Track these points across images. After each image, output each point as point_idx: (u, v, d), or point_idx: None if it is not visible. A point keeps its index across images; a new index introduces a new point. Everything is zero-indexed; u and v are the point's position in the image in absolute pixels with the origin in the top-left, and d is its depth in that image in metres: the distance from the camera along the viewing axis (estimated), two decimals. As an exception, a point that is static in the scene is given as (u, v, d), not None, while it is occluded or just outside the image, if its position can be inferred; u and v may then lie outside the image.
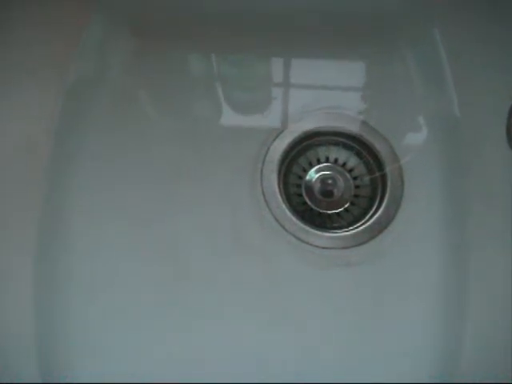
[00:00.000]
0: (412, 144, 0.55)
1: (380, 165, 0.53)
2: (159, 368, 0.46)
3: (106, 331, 0.47)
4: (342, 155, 0.56)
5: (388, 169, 0.52)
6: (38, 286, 0.45)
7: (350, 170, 0.55)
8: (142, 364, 0.46)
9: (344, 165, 0.55)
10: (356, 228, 0.51)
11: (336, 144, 0.56)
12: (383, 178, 0.52)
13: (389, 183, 0.52)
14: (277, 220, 0.50)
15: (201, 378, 0.45)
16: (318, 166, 0.55)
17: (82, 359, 0.46)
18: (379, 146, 0.53)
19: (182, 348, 0.47)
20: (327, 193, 0.54)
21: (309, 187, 0.55)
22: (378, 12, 0.55)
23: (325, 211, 0.54)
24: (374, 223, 0.51)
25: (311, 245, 0.50)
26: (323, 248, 0.50)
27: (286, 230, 0.50)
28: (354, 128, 0.54)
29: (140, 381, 0.44)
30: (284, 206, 0.51)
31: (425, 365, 0.46)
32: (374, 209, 0.52)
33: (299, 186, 0.55)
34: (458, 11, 0.52)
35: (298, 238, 0.50)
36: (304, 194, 0.54)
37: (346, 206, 0.54)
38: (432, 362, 0.46)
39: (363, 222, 0.52)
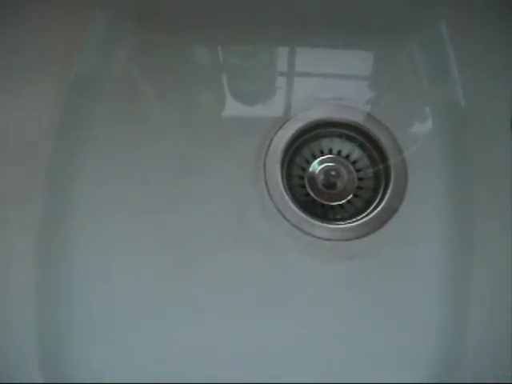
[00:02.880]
0: (416, 135, 0.54)
1: (384, 157, 0.53)
2: (161, 365, 0.46)
3: (108, 328, 0.47)
4: (345, 147, 0.55)
5: (391, 161, 0.52)
6: (39, 283, 0.45)
7: (354, 162, 0.55)
8: (143, 362, 0.46)
9: (347, 157, 0.55)
10: (359, 220, 0.51)
11: (340, 136, 0.55)
12: (387, 169, 0.52)
13: (392, 175, 0.51)
14: (279, 211, 0.50)
15: (201, 373, 0.45)
16: (322, 158, 0.55)
17: (84, 357, 0.46)
18: (383, 138, 0.53)
19: (184, 342, 0.47)
20: (330, 184, 0.54)
21: (312, 179, 0.54)
22: (386, 3, 0.55)
23: (328, 203, 0.54)
24: (377, 215, 0.51)
25: (314, 236, 0.49)
26: (326, 239, 0.49)
27: (288, 221, 0.50)
28: (358, 119, 0.54)
29: (142, 379, 0.43)
30: (287, 197, 0.51)
31: (425, 364, 0.46)
32: (377, 201, 0.52)
33: (302, 177, 0.55)
34: (466, 2, 0.51)
35: (301, 230, 0.50)
36: (307, 186, 0.54)
37: (349, 197, 0.54)
38: (432, 362, 0.46)
39: (366, 213, 0.52)
